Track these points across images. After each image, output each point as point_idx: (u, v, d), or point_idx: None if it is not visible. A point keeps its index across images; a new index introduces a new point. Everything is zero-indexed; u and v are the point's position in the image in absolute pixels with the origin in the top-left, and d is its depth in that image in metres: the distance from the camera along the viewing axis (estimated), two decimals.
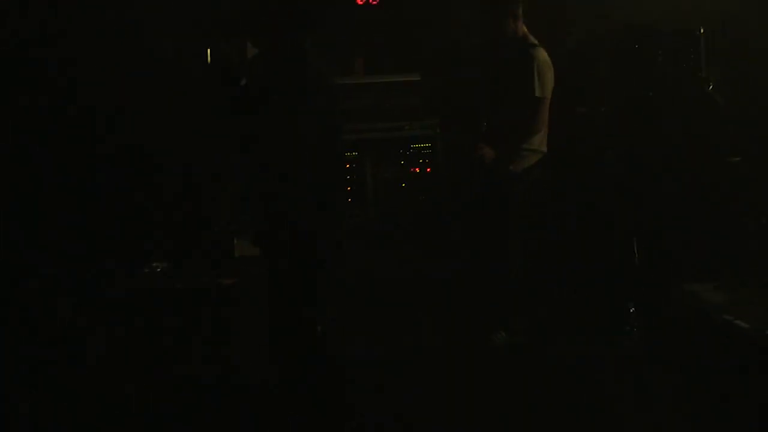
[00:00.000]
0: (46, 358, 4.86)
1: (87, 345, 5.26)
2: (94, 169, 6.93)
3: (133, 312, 6.14)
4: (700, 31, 6.26)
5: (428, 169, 7.55)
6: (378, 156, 7.52)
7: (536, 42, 5.58)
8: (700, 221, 6.13)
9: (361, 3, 7.77)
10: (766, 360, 4.68)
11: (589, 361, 5.33)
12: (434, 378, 5.14)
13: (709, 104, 6.26)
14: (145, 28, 6.52)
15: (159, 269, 6.88)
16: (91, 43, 6.49)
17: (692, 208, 6.16)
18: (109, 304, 6.22)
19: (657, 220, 6.26)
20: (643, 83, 6.34)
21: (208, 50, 3.99)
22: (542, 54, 5.52)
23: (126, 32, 6.55)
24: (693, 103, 6.27)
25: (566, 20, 6.98)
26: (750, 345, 4.90)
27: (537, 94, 5.46)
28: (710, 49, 6.29)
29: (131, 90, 6.95)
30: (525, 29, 5.60)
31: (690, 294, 5.77)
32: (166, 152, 7.09)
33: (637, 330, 5.48)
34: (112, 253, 6.77)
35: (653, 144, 6.33)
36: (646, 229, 6.30)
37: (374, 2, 7.75)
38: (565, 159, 6.41)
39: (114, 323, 5.88)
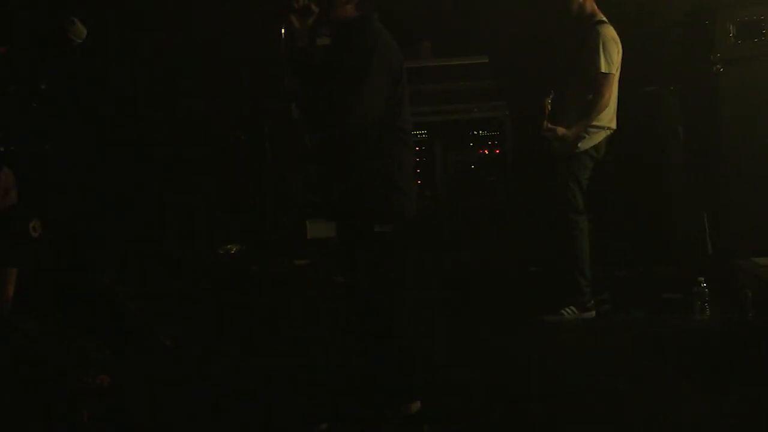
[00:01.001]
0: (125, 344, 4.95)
1: (165, 330, 5.36)
2: (167, 153, 7.12)
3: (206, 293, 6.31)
4: None
5: (497, 151, 7.59)
6: (447, 138, 7.57)
7: (603, 18, 5.56)
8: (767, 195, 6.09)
9: None
10: None
11: (659, 337, 5.34)
12: (509, 362, 5.14)
13: None
14: None
15: (233, 251, 7.03)
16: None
17: (758, 182, 6.11)
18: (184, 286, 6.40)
19: (727, 195, 6.23)
20: (711, 61, 6.27)
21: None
22: (609, 30, 5.51)
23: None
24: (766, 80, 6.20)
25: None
26: None
27: (603, 69, 5.44)
28: None
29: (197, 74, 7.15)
30: (593, 6, 5.60)
31: (761, 268, 5.74)
32: (235, 135, 7.25)
33: (708, 305, 5.43)
34: (186, 235, 6.95)
35: (721, 121, 6.28)
36: (715, 203, 6.27)
37: None
38: (636, 137, 6.38)
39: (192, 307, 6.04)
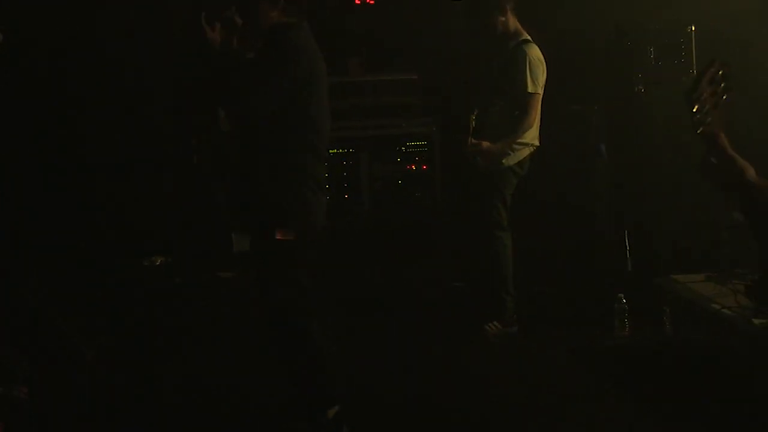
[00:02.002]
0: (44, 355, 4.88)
1: (86, 341, 5.30)
2: (93, 166, 7.05)
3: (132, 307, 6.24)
4: (691, 28, 6.32)
5: (424, 167, 7.63)
6: (374, 153, 7.60)
7: (528, 38, 5.62)
8: (688, 213, 6.21)
9: (359, 2, 7.86)
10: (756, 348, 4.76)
11: (581, 352, 5.41)
12: (435, 375, 5.19)
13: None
14: None
15: (158, 263, 6.96)
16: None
17: (680, 201, 6.24)
18: (109, 299, 6.33)
19: (647, 212, 6.35)
20: (635, 80, 6.39)
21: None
22: (534, 50, 5.58)
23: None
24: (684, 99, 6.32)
25: (559, 18, 7.05)
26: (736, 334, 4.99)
27: (529, 89, 5.51)
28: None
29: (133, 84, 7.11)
30: (518, 25, 5.66)
31: (679, 284, 5.85)
32: (162, 147, 7.21)
33: (628, 321, 5.52)
34: (111, 248, 6.87)
35: (644, 140, 6.40)
36: (636, 222, 6.38)
37: (371, 1, 7.85)
38: (558, 154, 6.48)
39: (115, 319, 5.97)
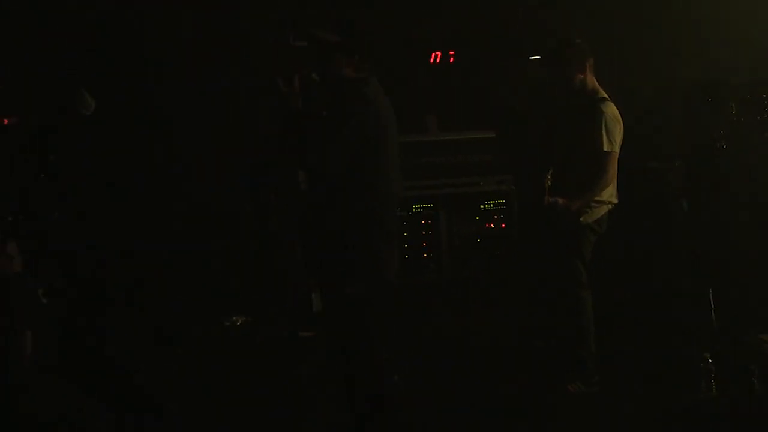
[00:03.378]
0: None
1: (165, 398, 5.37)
2: (175, 224, 7.18)
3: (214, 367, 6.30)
4: None
5: (503, 225, 7.62)
6: (453, 211, 7.62)
7: (606, 96, 5.61)
8: None
9: (436, 62, 7.94)
10: None
11: (666, 413, 5.30)
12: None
13: None
14: None
15: (239, 323, 7.02)
16: None
17: (764, 256, 6.12)
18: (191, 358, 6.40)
19: (731, 270, 6.23)
20: (716, 136, 6.33)
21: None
22: (611, 108, 5.55)
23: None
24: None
25: (639, 75, 7.04)
26: None
27: (605, 148, 5.47)
28: None
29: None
30: (595, 83, 5.65)
31: (765, 343, 5.73)
32: (243, 205, 7.32)
33: (714, 381, 5.39)
34: (193, 308, 6.96)
35: (725, 195, 6.30)
36: (720, 280, 6.27)
37: (448, 61, 7.93)
38: (637, 210, 6.42)
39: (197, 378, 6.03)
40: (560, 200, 5.50)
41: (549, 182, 5.54)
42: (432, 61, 7.95)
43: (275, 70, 4.24)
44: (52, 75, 5.81)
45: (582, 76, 5.59)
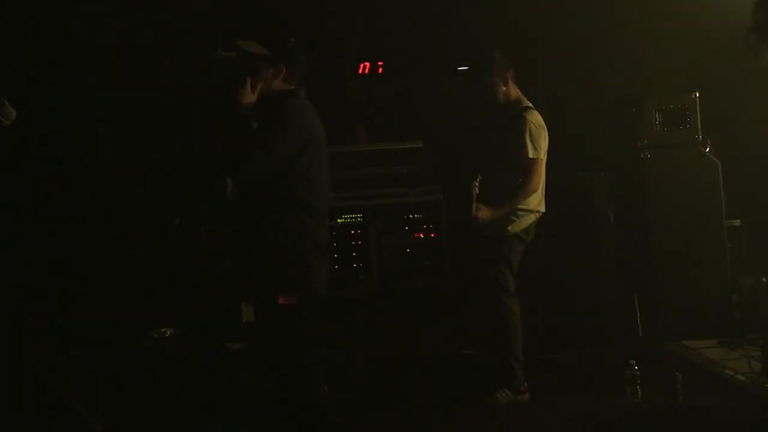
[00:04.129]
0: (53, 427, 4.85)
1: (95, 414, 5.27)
2: (99, 234, 7.08)
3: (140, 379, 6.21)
4: (695, 95, 6.36)
5: (432, 235, 7.64)
6: (382, 222, 7.61)
7: (530, 104, 5.70)
8: (698, 278, 6.20)
9: (365, 72, 7.95)
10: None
11: (592, 419, 5.35)
12: None
13: (707, 165, 6.35)
14: None
15: (167, 335, 6.94)
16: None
17: (688, 266, 6.23)
18: (118, 371, 6.30)
19: (656, 278, 6.32)
20: (641, 146, 6.42)
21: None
22: (535, 116, 5.64)
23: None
24: (692, 166, 6.37)
25: (564, 84, 7.13)
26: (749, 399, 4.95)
27: (531, 155, 5.55)
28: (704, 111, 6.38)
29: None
30: (518, 92, 5.73)
31: (691, 350, 5.83)
32: (170, 216, 7.24)
33: (640, 387, 5.47)
34: (119, 319, 6.86)
35: (651, 205, 6.40)
36: (645, 288, 6.36)
37: (377, 72, 7.94)
38: (564, 220, 6.49)
39: (124, 391, 5.93)
40: (483, 211, 5.55)
41: (476, 191, 5.58)
42: (361, 71, 7.96)
43: (205, 80, 4.21)
44: None
45: (505, 88, 5.67)
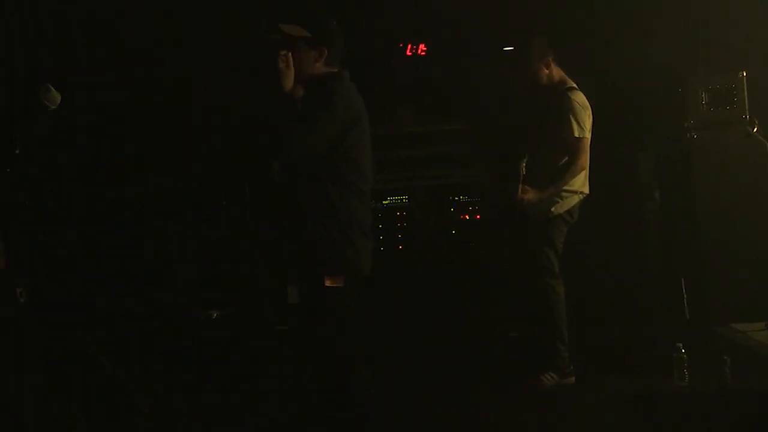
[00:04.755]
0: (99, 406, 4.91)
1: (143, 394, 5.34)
2: (149, 218, 7.15)
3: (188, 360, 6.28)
4: (742, 74, 6.28)
5: (477, 216, 7.63)
6: (427, 203, 7.63)
7: (573, 85, 5.65)
8: (746, 259, 6.12)
9: (410, 54, 7.94)
10: None
11: (639, 402, 5.32)
12: (492, 427, 5.13)
13: (755, 146, 6.27)
14: None
15: (214, 316, 7.00)
16: None
17: (736, 246, 6.16)
18: (166, 351, 6.38)
19: (703, 259, 6.26)
20: (687, 125, 6.36)
21: None
22: (579, 96, 5.60)
23: None
24: (739, 146, 6.29)
25: (610, 64, 7.06)
26: None
27: (576, 134, 5.52)
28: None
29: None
30: (561, 73, 5.69)
31: (739, 333, 5.77)
32: (217, 199, 7.29)
33: (687, 371, 5.43)
34: (168, 301, 6.93)
35: (697, 185, 6.33)
36: (694, 269, 6.30)
37: (422, 53, 7.92)
38: (609, 200, 6.44)
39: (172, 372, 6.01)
40: (530, 193, 5.53)
41: (523, 171, 5.57)
42: (406, 53, 7.94)
43: (251, 63, 4.24)
44: (16, 70, 5.78)
45: (546, 70, 5.64)
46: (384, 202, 7.52)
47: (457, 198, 7.65)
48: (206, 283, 7.21)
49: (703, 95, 6.28)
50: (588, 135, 5.58)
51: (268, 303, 7.10)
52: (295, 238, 4.20)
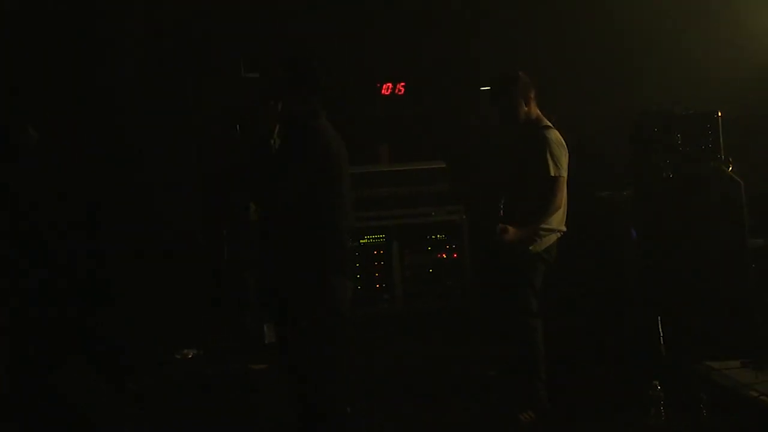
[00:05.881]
0: None
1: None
2: (122, 258, 7.11)
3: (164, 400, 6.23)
4: (717, 114, 6.35)
5: (454, 255, 7.65)
6: (405, 241, 7.64)
7: (549, 123, 5.69)
8: (722, 298, 6.16)
9: (387, 93, 7.99)
10: None
11: None
12: None
13: (730, 184, 6.32)
14: None
15: (190, 356, 6.96)
16: None
17: (712, 286, 6.19)
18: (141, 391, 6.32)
19: (679, 297, 6.29)
20: (662, 165, 6.41)
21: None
22: (554, 134, 5.62)
23: None
24: (714, 184, 6.34)
25: (585, 105, 7.13)
26: None
27: (552, 173, 5.53)
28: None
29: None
30: (538, 112, 5.72)
31: (715, 371, 5.78)
32: (193, 239, 7.27)
33: (663, 408, 5.43)
34: (143, 341, 6.88)
35: (674, 225, 6.37)
36: (669, 307, 6.32)
37: (399, 92, 7.98)
38: (587, 240, 6.47)
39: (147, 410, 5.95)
40: (510, 229, 5.53)
41: (501, 211, 5.58)
42: (383, 92, 7.99)
43: (228, 101, 4.25)
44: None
45: (526, 108, 5.67)
46: (362, 240, 7.52)
47: (434, 236, 7.67)
48: (183, 322, 7.17)
49: (678, 135, 6.35)
50: (564, 174, 5.60)
51: (245, 342, 7.07)
52: (273, 276, 4.20)
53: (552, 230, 5.63)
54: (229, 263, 7.27)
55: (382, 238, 7.61)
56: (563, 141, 5.64)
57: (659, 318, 6.30)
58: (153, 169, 7.34)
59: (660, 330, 6.26)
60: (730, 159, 6.38)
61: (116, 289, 7.15)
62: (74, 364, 5.98)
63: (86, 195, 7.15)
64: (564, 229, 5.69)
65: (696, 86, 6.88)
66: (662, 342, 6.25)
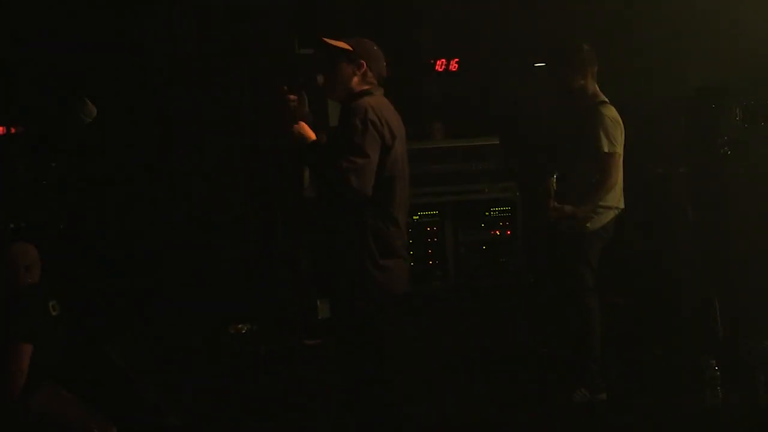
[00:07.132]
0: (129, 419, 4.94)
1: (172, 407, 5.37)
2: (178, 232, 7.18)
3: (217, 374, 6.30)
4: None
5: (508, 232, 7.63)
6: (458, 218, 7.63)
7: (605, 99, 5.61)
8: None
9: (440, 69, 7.97)
10: None
11: (672, 420, 5.28)
12: None
13: None
14: None
15: (244, 331, 7.02)
16: None
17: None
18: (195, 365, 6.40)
19: (736, 276, 6.21)
20: (720, 142, 6.32)
21: None
22: (610, 110, 5.54)
23: None
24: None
25: (644, 81, 7.05)
26: None
27: (606, 149, 5.44)
28: None
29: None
30: (595, 88, 5.64)
31: None
32: (246, 214, 7.32)
33: (720, 389, 5.38)
34: (197, 315, 6.96)
35: (730, 201, 6.29)
36: (724, 286, 6.25)
37: (453, 69, 7.95)
38: (644, 216, 6.42)
39: (201, 385, 6.02)
40: (567, 207, 5.49)
41: (554, 186, 5.53)
42: (437, 68, 7.97)
43: (280, 77, 4.22)
44: (54, 83, 5.84)
45: (583, 81, 5.59)
46: (414, 217, 7.52)
47: (487, 213, 7.65)
48: (237, 297, 7.23)
49: (738, 111, 6.26)
50: (619, 150, 5.52)
51: (299, 318, 7.11)
52: (326, 256, 4.18)
53: (609, 207, 5.56)
54: (283, 238, 7.30)
55: (436, 214, 7.60)
56: (619, 117, 5.56)
57: (716, 297, 6.24)
58: (209, 147, 7.39)
59: (717, 309, 6.19)
60: None
61: (172, 264, 7.24)
62: (130, 337, 6.07)
63: (144, 171, 7.25)
64: (621, 206, 5.63)
65: (755, 61, 6.76)
66: (719, 321, 6.18)
